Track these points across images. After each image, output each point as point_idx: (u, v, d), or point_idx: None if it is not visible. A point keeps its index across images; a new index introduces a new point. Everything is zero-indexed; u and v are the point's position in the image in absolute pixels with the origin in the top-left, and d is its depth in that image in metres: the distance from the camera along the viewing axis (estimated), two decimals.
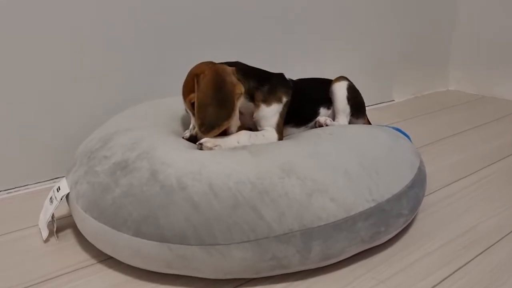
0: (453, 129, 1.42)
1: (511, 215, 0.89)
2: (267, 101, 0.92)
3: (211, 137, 0.83)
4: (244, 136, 0.86)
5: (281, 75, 0.99)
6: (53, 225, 0.82)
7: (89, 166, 0.77)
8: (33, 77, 1.01)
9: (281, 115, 0.94)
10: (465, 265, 0.73)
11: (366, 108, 1.18)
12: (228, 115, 0.82)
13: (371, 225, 0.71)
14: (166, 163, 0.72)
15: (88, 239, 0.76)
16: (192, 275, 0.68)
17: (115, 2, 1.08)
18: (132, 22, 1.12)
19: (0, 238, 0.83)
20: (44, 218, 0.81)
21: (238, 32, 1.31)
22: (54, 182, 1.07)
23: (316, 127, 1.04)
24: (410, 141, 0.98)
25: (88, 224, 0.73)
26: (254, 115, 0.92)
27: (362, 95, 1.14)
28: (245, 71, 0.89)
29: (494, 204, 0.93)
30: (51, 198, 0.81)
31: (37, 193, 1.02)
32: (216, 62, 0.89)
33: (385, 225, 0.73)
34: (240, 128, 0.88)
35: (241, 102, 0.86)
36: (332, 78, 1.12)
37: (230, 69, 0.86)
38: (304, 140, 0.85)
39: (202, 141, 0.83)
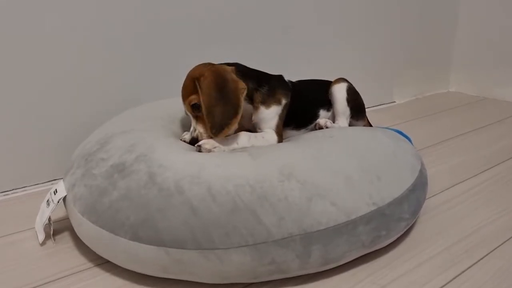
0: (454, 131, 1.42)
1: None
2: (266, 103, 0.91)
3: (211, 139, 0.83)
4: (243, 138, 0.86)
5: (280, 77, 0.98)
6: (50, 228, 0.82)
7: (86, 168, 0.76)
8: (31, 78, 1.01)
9: (280, 117, 0.93)
10: (467, 269, 0.72)
11: (367, 109, 1.17)
12: (236, 112, 0.81)
13: (372, 229, 0.70)
14: (164, 166, 0.71)
15: (85, 242, 0.75)
16: (190, 279, 0.67)
17: (115, 2, 1.08)
18: (131, 23, 1.11)
19: None
20: (40, 220, 0.80)
21: (238, 32, 1.31)
22: (52, 183, 1.06)
23: (316, 129, 1.03)
24: (411, 143, 0.97)
25: (85, 228, 0.72)
26: (253, 117, 0.91)
27: (363, 96, 1.13)
28: (244, 72, 0.88)
29: (497, 207, 0.92)
30: (48, 200, 0.80)
31: (35, 195, 1.02)
32: (215, 63, 0.88)
33: (386, 229, 0.72)
34: (238, 131, 0.87)
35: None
36: (332, 79, 1.11)
37: (229, 68, 0.86)
38: (304, 142, 0.84)
39: (200, 143, 0.82)
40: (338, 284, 0.69)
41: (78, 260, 0.76)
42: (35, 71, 1.01)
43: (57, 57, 1.03)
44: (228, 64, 0.88)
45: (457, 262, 0.74)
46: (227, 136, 0.83)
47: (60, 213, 0.87)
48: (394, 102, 1.84)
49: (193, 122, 0.87)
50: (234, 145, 0.84)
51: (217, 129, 0.81)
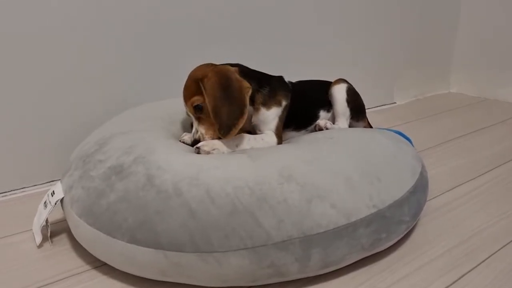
0: (455, 132, 1.41)
1: None
2: (267, 105, 0.90)
3: (211, 140, 0.83)
4: (243, 140, 0.85)
5: (280, 78, 0.98)
6: (47, 230, 0.81)
7: (84, 170, 0.75)
8: (31, 78, 1.00)
9: (280, 118, 0.92)
10: (468, 272, 0.71)
11: (367, 110, 1.16)
12: (242, 112, 0.81)
13: (372, 232, 0.69)
14: (162, 168, 0.71)
15: (82, 245, 0.74)
16: (188, 283, 0.66)
17: (115, 2, 1.07)
18: (131, 23, 1.11)
19: None
20: (38, 222, 0.80)
21: (238, 32, 1.30)
22: (51, 185, 1.06)
23: (316, 131, 1.02)
24: (412, 144, 0.97)
25: (83, 230, 0.71)
26: (253, 118, 0.91)
27: (363, 97, 1.12)
28: (246, 73, 0.88)
29: (498, 209, 0.91)
30: (45, 202, 0.79)
31: (34, 196, 1.01)
32: (216, 63, 0.88)
33: (386, 232, 0.72)
34: (237, 132, 0.86)
35: None
36: (332, 80, 1.11)
37: (233, 68, 0.85)
38: (304, 144, 0.83)
39: (199, 144, 0.81)
40: (338, 287, 0.68)
41: (76, 262, 0.75)
42: (34, 71, 1.00)
43: (56, 57, 1.02)
44: (230, 65, 0.88)
45: (458, 265, 0.73)
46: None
47: (58, 214, 0.86)
48: (395, 103, 1.83)
49: (195, 124, 0.87)
50: (234, 147, 0.83)
51: (225, 130, 0.80)
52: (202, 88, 0.82)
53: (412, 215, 0.77)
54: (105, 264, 0.72)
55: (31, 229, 0.83)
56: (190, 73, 0.87)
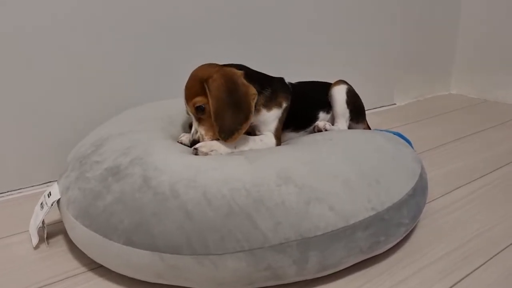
0: (455, 134, 1.40)
1: None
2: (267, 106, 0.90)
3: (209, 141, 0.82)
4: (241, 141, 0.85)
5: (281, 80, 0.97)
6: (44, 231, 0.81)
7: (81, 171, 0.75)
8: (28, 79, 1.00)
9: (280, 120, 0.92)
10: (468, 275, 0.71)
11: (367, 111, 1.15)
12: (246, 118, 0.81)
13: (371, 234, 0.69)
14: (159, 169, 0.70)
15: (78, 246, 0.74)
16: (184, 285, 0.66)
17: (115, 2, 1.07)
18: (131, 23, 1.10)
19: None
20: (34, 223, 0.79)
21: (238, 32, 1.30)
22: (48, 186, 1.05)
23: (315, 132, 1.01)
24: (412, 146, 0.96)
25: (79, 232, 0.71)
26: (253, 119, 0.90)
27: (363, 98, 1.11)
28: (250, 75, 0.87)
29: (498, 211, 0.91)
30: (41, 203, 0.79)
31: (31, 197, 1.01)
32: (219, 64, 0.87)
33: (385, 235, 0.71)
34: None
35: None
36: (332, 81, 1.10)
37: (239, 72, 0.84)
38: (302, 146, 0.83)
39: (197, 146, 0.81)
40: None
41: (72, 264, 0.75)
42: (32, 71, 1.00)
43: (54, 60, 1.02)
44: (234, 66, 0.87)
45: (457, 268, 0.72)
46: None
47: (55, 216, 0.86)
48: (395, 104, 1.82)
49: (195, 124, 0.86)
50: (232, 148, 0.83)
51: (227, 134, 0.80)
52: (207, 89, 0.82)
53: (411, 218, 0.76)
54: (101, 266, 0.72)
55: (28, 231, 0.82)
56: (193, 72, 0.86)
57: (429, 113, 1.67)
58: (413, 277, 0.70)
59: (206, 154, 0.80)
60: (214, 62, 0.88)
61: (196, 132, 0.85)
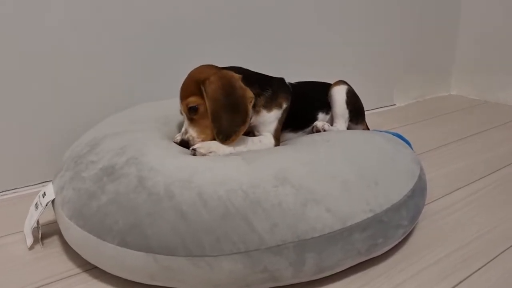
0: (455, 135, 1.39)
1: None
2: (268, 107, 0.89)
3: (207, 142, 0.81)
4: (240, 142, 0.84)
5: (281, 80, 0.97)
6: (38, 232, 0.80)
7: (76, 171, 0.74)
8: (24, 79, 0.99)
9: (279, 121, 0.91)
10: (467, 278, 0.70)
11: (366, 112, 1.15)
12: (244, 121, 0.81)
13: (368, 237, 0.68)
14: (155, 169, 0.69)
15: (73, 247, 0.73)
16: (179, 287, 0.65)
17: (113, 3, 1.06)
18: (130, 23, 1.10)
19: None
20: (29, 224, 0.78)
21: (238, 32, 1.29)
22: (43, 186, 1.03)
23: (313, 132, 1.01)
24: (411, 147, 0.95)
25: (73, 232, 0.70)
26: (253, 120, 0.89)
27: (363, 98, 1.11)
28: (249, 79, 0.86)
29: (498, 213, 0.90)
30: (36, 203, 0.78)
31: (25, 197, 1.00)
32: (218, 66, 0.86)
33: (383, 237, 0.70)
34: None
35: None
36: (332, 81, 1.09)
37: (237, 75, 0.84)
38: (300, 146, 0.82)
39: (195, 146, 0.80)
40: None
41: (66, 265, 0.74)
42: (29, 71, 0.99)
43: (52, 60, 1.01)
44: (231, 68, 0.86)
45: (456, 271, 0.72)
46: None
47: (49, 216, 0.85)
48: (394, 105, 1.82)
49: (186, 124, 0.85)
50: (231, 150, 0.82)
51: (224, 136, 0.80)
52: (203, 90, 0.81)
53: (410, 219, 0.75)
54: (96, 267, 0.71)
55: (22, 231, 0.81)
56: (191, 72, 0.86)
57: (429, 114, 1.66)
58: (411, 279, 0.70)
59: (204, 155, 0.79)
60: (212, 64, 0.87)
61: (186, 132, 0.84)
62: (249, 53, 1.31)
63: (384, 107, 1.78)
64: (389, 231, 0.71)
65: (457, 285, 0.68)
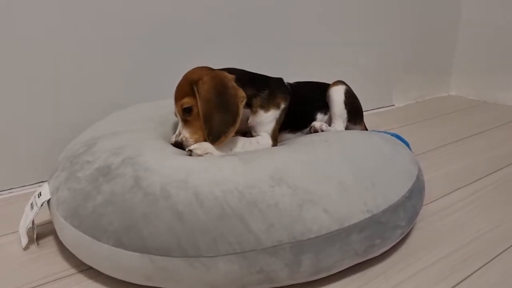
0: (454, 136, 1.39)
1: None
2: (265, 107, 0.89)
3: (204, 143, 0.80)
4: (237, 143, 0.84)
5: (279, 80, 0.96)
6: (34, 232, 0.79)
7: (71, 171, 0.73)
8: (20, 79, 0.98)
9: (277, 121, 0.91)
10: (465, 279, 0.69)
11: (365, 112, 1.14)
12: (234, 121, 0.80)
13: (366, 237, 0.67)
14: (151, 170, 0.69)
15: (68, 248, 0.73)
16: None
17: (111, 4, 1.05)
18: (129, 23, 1.09)
19: None
20: (24, 224, 0.78)
21: (238, 32, 1.29)
22: (39, 186, 1.03)
23: (311, 133, 1.00)
24: (409, 148, 0.95)
25: (68, 233, 0.69)
26: (250, 120, 0.89)
27: (361, 99, 1.10)
28: (244, 80, 0.86)
29: (496, 214, 0.89)
30: (31, 203, 0.77)
31: (21, 197, 0.99)
32: (213, 68, 0.86)
33: (381, 238, 0.70)
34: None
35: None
36: (331, 82, 1.09)
37: (230, 76, 0.83)
38: (298, 147, 0.81)
39: (192, 147, 0.79)
40: None
41: (61, 266, 0.73)
42: (25, 71, 0.98)
43: (49, 60, 1.00)
44: (226, 70, 0.86)
45: (454, 272, 0.71)
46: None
47: (45, 216, 0.84)
48: (393, 105, 1.81)
49: (180, 125, 0.85)
50: (227, 151, 0.81)
51: (214, 137, 0.79)
52: (196, 91, 0.81)
53: (407, 220, 0.75)
54: (91, 268, 0.70)
55: (17, 231, 0.81)
56: (185, 74, 0.86)
57: (428, 115, 1.65)
58: (409, 280, 0.69)
59: (200, 156, 0.78)
60: (208, 66, 0.87)
61: (180, 133, 0.84)
62: (249, 53, 1.31)
63: (383, 107, 1.77)
64: (387, 232, 0.71)
65: (456, 285, 0.68)
